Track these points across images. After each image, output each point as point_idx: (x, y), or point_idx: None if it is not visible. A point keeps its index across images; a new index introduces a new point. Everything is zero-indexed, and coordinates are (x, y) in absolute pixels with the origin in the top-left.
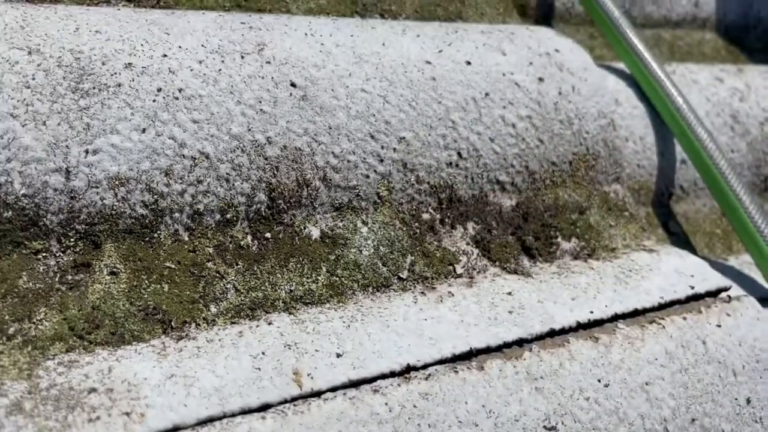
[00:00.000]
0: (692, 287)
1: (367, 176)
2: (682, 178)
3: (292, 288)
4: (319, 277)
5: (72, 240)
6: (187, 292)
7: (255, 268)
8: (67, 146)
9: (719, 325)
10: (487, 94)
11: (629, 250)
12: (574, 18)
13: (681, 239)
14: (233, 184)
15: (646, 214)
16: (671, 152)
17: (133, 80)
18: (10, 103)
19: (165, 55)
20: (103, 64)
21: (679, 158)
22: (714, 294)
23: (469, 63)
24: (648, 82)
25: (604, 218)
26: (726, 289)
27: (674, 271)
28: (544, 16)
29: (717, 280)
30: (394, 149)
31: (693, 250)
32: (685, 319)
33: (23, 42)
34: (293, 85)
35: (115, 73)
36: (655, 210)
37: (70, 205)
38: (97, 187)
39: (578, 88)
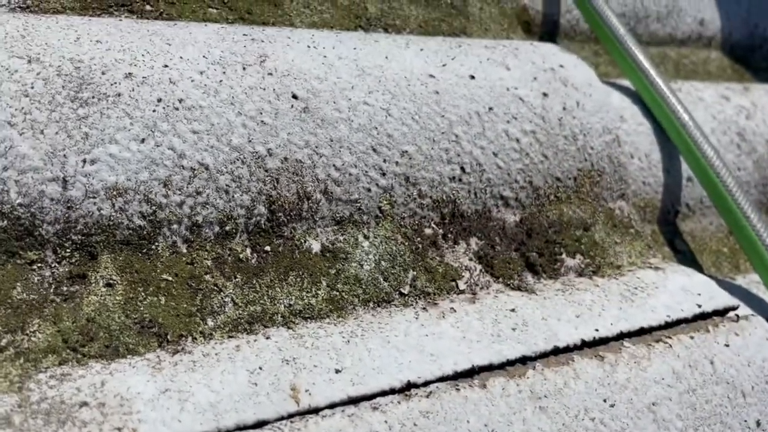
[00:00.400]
0: (699, 306)
1: (369, 190)
2: (688, 195)
3: (292, 302)
4: (319, 292)
5: (68, 251)
6: (184, 305)
7: (254, 282)
8: (64, 155)
9: (727, 345)
10: (490, 109)
11: (635, 267)
12: (579, 35)
13: (687, 257)
14: (233, 196)
15: (651, 232)
16: (677, 169)
17: (133, 90)
18: (8, 112)
19: (166, 66)
20: (103, 73)
21: (685, 176)
22: (721, 313)
23: (472, 77)
24: (653, 98)
25: (609, 235)
26: (734, 308)
27: (681, 289)
28: (549, 33)
29: (724, 299)
30: (397, 163)
31: (700, 269)
32: (692, 338)
33: (23, 51)
34: (295, 97)
35: (115, 83)
36: (661, 228)
37: (67, 215)
38: (94, 197)
39: (583, 104)
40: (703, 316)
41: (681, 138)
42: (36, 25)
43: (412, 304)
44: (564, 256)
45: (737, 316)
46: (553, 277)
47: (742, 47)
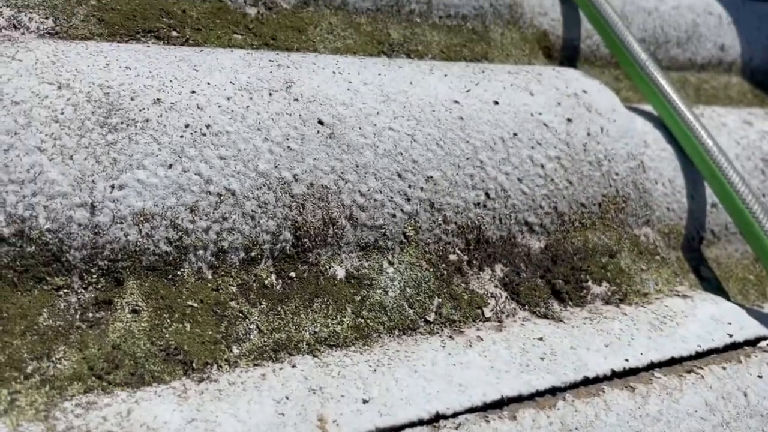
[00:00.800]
0: (730, 335)
1: (394, 215)
2: (713, 222)
3: (317, 329)
4: (344, 319)
5: (94, 276)
6: (210, 332)
7: (279, 309)
8: (93, 181)
9: (760, 376)
10: (515, 134)
11: (662, 295)
12: (599, 60)
13: (713, 285)
14: (258, 222)
15: (676, 259)
16: (701, 195)
17: (161, 116)
18: (38, 137)
19: (193, 92)
20: (132, 99)
21: (709, 201)
22: (753, 343)
23: (496, 102)
24: (677, 124)
25: (635, 262)
26: (765, 338)
27: (710, 318)
28: (569, 58)
29: (755, 328)
30: (422, 188)
31: (726, 297)
32: (724, 368)
33: (53, 77)
34: (321, 122)
35: (144, 109)
36: (686, 254)
37: (94, 241)
38: (121, 223)
39: (607, 129)
40: (734, 346)
41: (705, 164)
42: (66, 51)
43: (438, 332)
44: (590, 283)
45: None
46: (579, 304)
47: (762, 72)
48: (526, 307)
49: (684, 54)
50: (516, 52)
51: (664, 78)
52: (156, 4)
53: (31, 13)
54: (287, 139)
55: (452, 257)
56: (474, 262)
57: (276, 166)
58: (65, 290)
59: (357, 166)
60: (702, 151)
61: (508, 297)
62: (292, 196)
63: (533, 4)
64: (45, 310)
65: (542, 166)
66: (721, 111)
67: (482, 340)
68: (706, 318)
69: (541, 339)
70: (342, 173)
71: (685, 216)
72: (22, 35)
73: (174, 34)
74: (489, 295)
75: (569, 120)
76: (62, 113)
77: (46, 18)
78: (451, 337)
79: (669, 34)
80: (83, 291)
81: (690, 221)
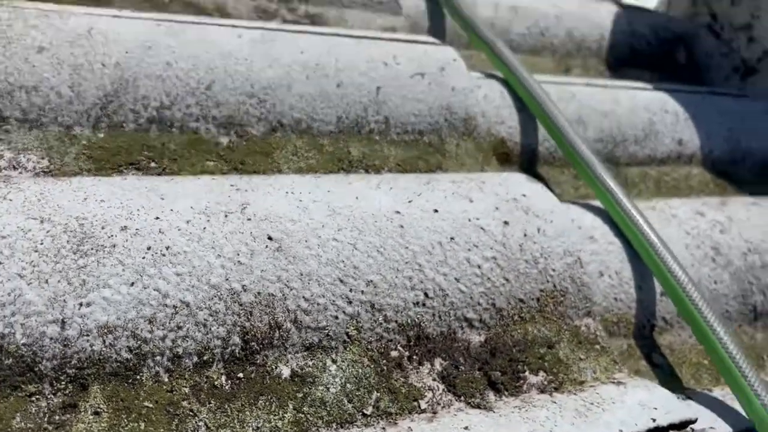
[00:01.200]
0: (654, 420)
1: (336, 317)
2: (664, 309)
3: (260, 425)
4: (286, 414)
5: (63, 383)
6: (161, 430)
7: (226, 407)
8: (64, 300)
9: None
10: (452, 238)
11: (598, 383)
12: (558, 161)
13: (666, 371)
14: (210, 329)
15: (627, 346)
16: (650, 286)
17: (126, 241)
18: (19, 265)
19: (157, 218)
20: (103, 228)
21: (659, 291)
22: (678, 427)
23: (436, 211)
24: (622, 219)
25: (574, 351)
26: (692, 422)
27: (638, 403)
28: (529, 161)
29: (682, 412)
30: (362, 291)
31: (679, 381)
32: None
33: (37, 213)
34: (270, 238)
35: (112, 236)
36: (638, 342)
37: (63, 352)
38: (88, 335)
39: (543, 230)
40: (657, 431)
41: (649, 256)
42: (51, 190)
43: (373, 425)
44: (527, 373)
45: (693, 429)
46: (514, 394)
47: (723, 162)
48: (462, 398)
49: (643, 150)
50: (470, 161)
51: (608, 176)
52: (139, 140)
53: (29, 154)
54: (238, 255)
55: (393, 353)
56: (414, 357)
57: (227, 279)
58: (37, 396)
59: (302, 275)
60: (645, 244)
61: (445, 389)
62: (240, 305)
63: (490, 115)
64: (18, 414)
65: (479, 267)
66: (675, 203)
67: (412, 430)
68: (634, 404)
69: (466, 428)
70: (287, 282)
71: (634, 305)
72: (20, 174)
73: (152, 165)
74: (426, 388)
75: (506, 223)
76: (41, 243)
77: (42, 158)
78: (384, 428)
79: (626, 133)
80: (52, 396)
81: (639, 310)
